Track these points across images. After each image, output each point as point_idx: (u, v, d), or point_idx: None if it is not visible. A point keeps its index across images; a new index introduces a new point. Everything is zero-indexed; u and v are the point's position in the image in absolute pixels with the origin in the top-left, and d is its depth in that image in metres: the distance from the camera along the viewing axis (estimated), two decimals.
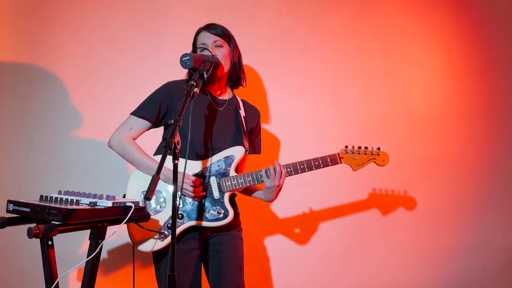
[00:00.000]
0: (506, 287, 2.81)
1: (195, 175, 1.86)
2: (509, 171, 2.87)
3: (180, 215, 1.84)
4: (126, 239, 2.55)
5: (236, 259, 1.95)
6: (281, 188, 1.90)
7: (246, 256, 2.04)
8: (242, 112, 2.01)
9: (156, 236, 1.84)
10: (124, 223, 1.57)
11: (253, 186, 1.98)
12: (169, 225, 1.83)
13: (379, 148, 1.98)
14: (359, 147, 1.97)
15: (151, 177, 1.78)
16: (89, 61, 2.63)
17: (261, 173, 1.87)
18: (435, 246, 2.78)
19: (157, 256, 1.90)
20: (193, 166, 1.87)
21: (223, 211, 1.84)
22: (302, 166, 1.90)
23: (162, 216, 1.86)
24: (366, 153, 1.96)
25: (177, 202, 1.53)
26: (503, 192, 2.85)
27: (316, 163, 1.91)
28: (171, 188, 1.87)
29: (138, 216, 1.68)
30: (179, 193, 1.63)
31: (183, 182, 1.64)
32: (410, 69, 2.86)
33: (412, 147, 2.79)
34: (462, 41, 2.90)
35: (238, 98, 2.06)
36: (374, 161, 1.97)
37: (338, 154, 1.96)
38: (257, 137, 2.12)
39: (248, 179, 1.87)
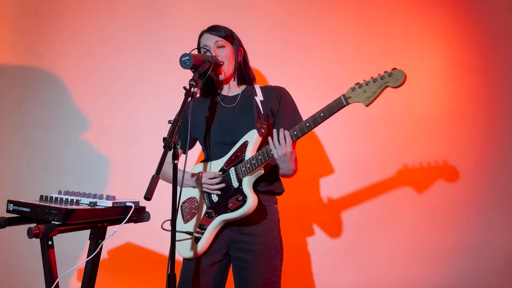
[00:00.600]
0: (509, 287, 2.80)
1: (220, 171, 1.87)
2: (510, 169, 2.86)
3: (208, 214, 1.84)
4: (126, 239, 2.57)
5: (262, 278, 1.83)
6: (293, 154, 1.75)
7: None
8: (259, 97, 1.94)
9: (189, 238, 1.85)
10: (124, 223, 1.57)
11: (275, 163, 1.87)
12: (199, 225, 1.84)
13: (394, 69, 1.67)
14: (372, 78, 1.69)
15: (187, 187, 1.88)
16: (89, 61, 2.63)
17: (270, 147, 1.75)
18: (436, 247, 2.77)
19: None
20: (216, 165, 1.89)
21: (241, 197, 1.77)
22: (307, 124, 1.71)
23: (197, 219, 1.87)
24: (376, 81, 1.68)
25: (177, 201, 1.54)
26: (506, 192, 2.85)
27: (322, 114, 1.72)
28: (197, 191, 1.90)
29: (138, 216, 1.68)
30: (179, 190, 1.63)
31: (183, 179, 1.65)
32: (410, 68, 2.83)
33: (411, 147, 2.79)
34: (463, 40, 2.90)
35: (256, 86, 2.00)
36: (388, 85, 1.68)
37: (344, 94, 1.73)
38: (288, 114, 1.94)
39: (260, 157, 1.77)
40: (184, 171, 1.66)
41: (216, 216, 1.83)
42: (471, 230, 2.81)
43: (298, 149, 1.85)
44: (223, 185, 1.83)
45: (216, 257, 1.86)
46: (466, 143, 2.84)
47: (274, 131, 1.74)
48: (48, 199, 1.65)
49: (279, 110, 1.94)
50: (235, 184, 1.82)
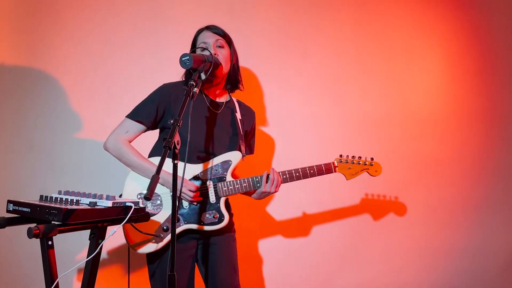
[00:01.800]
0: (508, 287, 2.81)
1: (193, 177, 1.88)
2: (509, 171, 2.87)
3: (177, 218, 1.84)
4: None
5: (230, 259, 1.96)
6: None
7: (241, 257, 2.04)
8: (238, 115, 2.00)
9: (152, 239, 1.85)
10: (124, 223, 1.57)
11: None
12: (164, 227, 1.84)
13: (372, 159, 2.04)
14: (353, 157, 2.04)
15: (148, 179, 1.82)
16: (88, 61, 2.63)
17: (257, 179, 1.90)
18: (435, 246, 2.78)
19: (152, 257, 1.90)
20: (192, 169, 1.88)
21: (218, 216, 1.85)
22: (297, 174, 1.95)
23: (158, 219, 1.86)
24: (360, 163, 2.03)
25: (177, 203, 1.53)
26: (503, 192, 2.85)
27: (311, 171, 1.96)
28: (167, 190, 1.88)
29: (138, 216, 1.68)
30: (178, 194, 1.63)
31: (182, 185, 1.65)
32: (409, 69, 2.86)
33: (411, 147, 2.79)
34: (462, 42, 2.91)
35: (234, 100, 2.05)
36: (367, 171, 2.04)
37: (333, 163, 2.00)
38: (252, 138, 2.12)
39: (245, 184, 1.89)
40: (183, 177, 1.64)
41: (185, 224, 1.84)
42: (470, 230, 2.82)
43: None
44: (201, 198, 1.85)
45: (191, 252, 1.90)
46: (465, 143, 2.85)
47: (271, 170, 1.89)
48: (48, 199, 1.65)
49: (249, 133, 2.07)
50: (212, 199, 1.86)
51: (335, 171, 2.00)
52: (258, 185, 1.89)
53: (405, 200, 2.74)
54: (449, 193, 2.80)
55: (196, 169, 1.88)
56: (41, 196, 1.68)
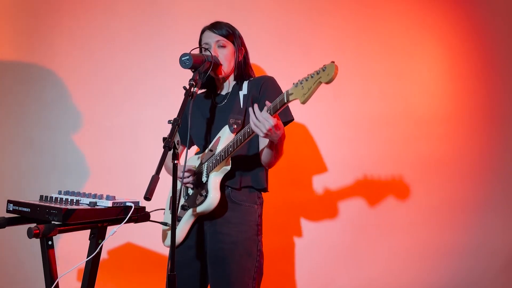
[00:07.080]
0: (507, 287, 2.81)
1: (197, 167, 1.89)
2: (509, 171, 2.86)
3: (183, 206, 1.86)
4: (126, 239, 2.57)
5: (229, 278, 1.78)
6: (277, 127, 1.63)
7: None
8: (243, 91, 1.92)
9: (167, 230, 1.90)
10: (124, 223, 1.57)
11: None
12: (178, 217, 1.87)
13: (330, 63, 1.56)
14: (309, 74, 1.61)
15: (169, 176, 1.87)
16: (89, 61, 2.64)
17: (251, 128, 1.65)
18: (435, 246, 2.78)
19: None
20: (194, 161, 1.92)
21: (205, 193, 1.78)
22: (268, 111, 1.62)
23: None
24: (313, 76, 1.59)
25: (177, 199, 1.54)
26: (503, 192, 2.85)
27: (268, 111, 1.62)
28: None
29: (138, 216, 1.68)
30: (178, 190, 1.63)
31: (183, 176, 1.70)
32: (410, 68, 2.86)
33: (411, 147, 2.79)
34: (463, 41, 2.90)
35: (246, 81, 1.95)
36: (320, 81, 1.58)
37: (287, 90, 1.63)
38: (268, 99, 1.73)
39: (231, 143, 1.71)
40: (184, 165, 1.68)
41: (189, 209, 1.84)
42: (469, 231, 2.81)
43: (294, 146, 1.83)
44: (190, 179, 1.83)
45: (197, 251, 1.87)
46: (465, 143, 2.85)
47: (250, 110, 1.63)
48: (48, 199, 1.65)
49: (260, 99, 1.87)
50: (204, 179, 1.82)
51: (288, 100, 1.62)
52: (249, 129, 1.65)
53: (406, 200, 2.73)
54: (449, 193, 2.79)
55: (200, 159, 1.90)
56: (41, 196, 1.69)
